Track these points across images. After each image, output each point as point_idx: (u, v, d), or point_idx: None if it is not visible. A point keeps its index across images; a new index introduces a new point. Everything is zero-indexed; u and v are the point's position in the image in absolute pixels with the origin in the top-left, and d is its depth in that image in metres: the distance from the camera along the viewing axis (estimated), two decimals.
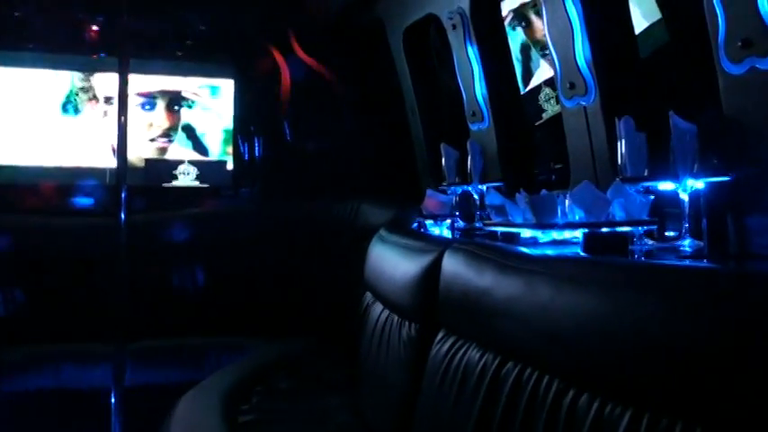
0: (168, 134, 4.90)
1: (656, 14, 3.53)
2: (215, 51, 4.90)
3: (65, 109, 4.73)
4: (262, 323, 4.17)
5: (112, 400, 3.18)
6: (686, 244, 2.06)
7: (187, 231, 4.51)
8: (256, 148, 4.98)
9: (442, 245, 2.27)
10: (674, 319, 1.29)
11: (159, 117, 4.88)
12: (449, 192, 3.29)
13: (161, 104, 4.88)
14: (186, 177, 4.91)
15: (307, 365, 3.44)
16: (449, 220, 3.14)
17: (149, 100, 4.84)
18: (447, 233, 3.11)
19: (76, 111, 4.74)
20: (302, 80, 4.87)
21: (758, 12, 1.84)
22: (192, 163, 4.92)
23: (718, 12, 1.96)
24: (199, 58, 4.90)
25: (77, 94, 4.75)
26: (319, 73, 4.84)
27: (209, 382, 3.06)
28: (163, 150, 4.89)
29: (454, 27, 3.34)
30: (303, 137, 4.95)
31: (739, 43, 1.91)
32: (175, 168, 4.87)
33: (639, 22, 2.93)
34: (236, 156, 4.99)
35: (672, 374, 1.27)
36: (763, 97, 1.89)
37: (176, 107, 4.91)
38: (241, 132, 4.98)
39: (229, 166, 4.99)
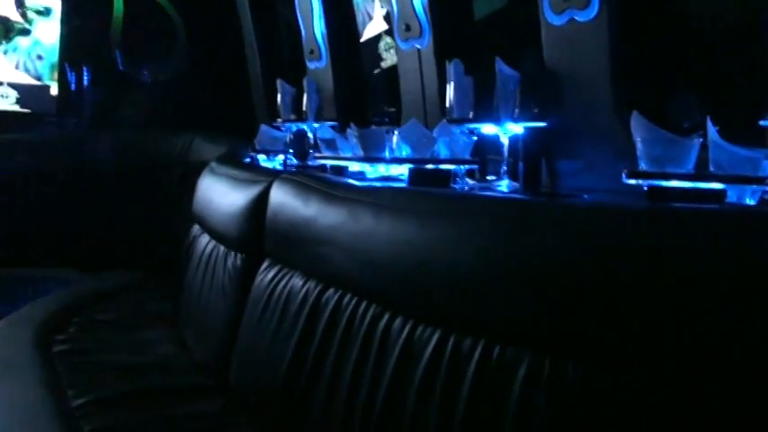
0: None
1: None
2: None
3: None
4: (85, 256, 4.01)
5: None
6: (504, 184, 2.17)
7: (4, 158, 4.24)
8: (85, 75, 4.71)
9: (270, 176, 2.26)
10: (483, 245, 1.37)
11: None
12: (283, 128, 3.27)
13: None
14: (5, 101, 4.58)
15: (130, 298, 3.35)
16: (282, 157, 3.13)
17: None
18: (280, 169, 3.09)
19: None
20: (136, 7, 4.63)
21: None
22: (12, 86, 4.59)
23: None
24: None
25: None
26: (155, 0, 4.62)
27: (22, 312, 2.92)
28: None
29: None
30: (136, 66, 4.73)
31: None
32: None
33: None
34: (63, 82, 4.69)
35: (476, 297, 1.35)
36: (578, 48, 2.01)
37: None
38: (68, 57, 4.69)
39: (53, 91, 4.69)
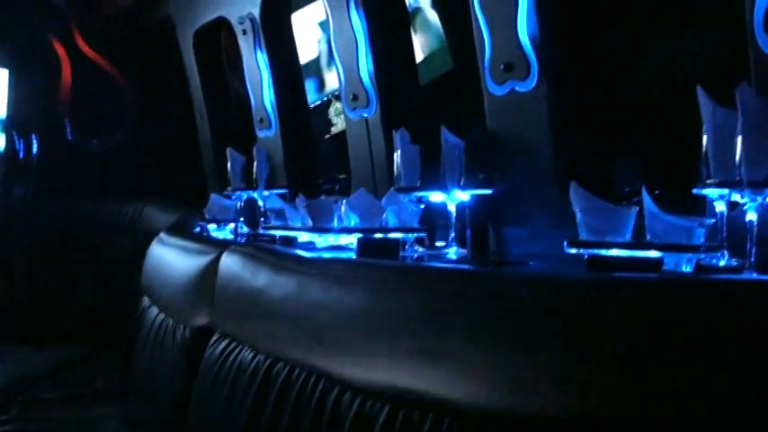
0: None
1: (434, 46, 3.75)
2: None
3: None
4: (33, 330, 3.91)
5: None
6: (452, 252, 2.19)
7: None
8: (34, 144, 4.66)
9: (220, 247, 2.26)
10: (431, 318, 1.38)
11: None
12: (233, 197, 3.27)
13: None
14: None
15: (76, 374, 3.27)
16: (232, 225, 3.12)
17: None
18: (230, 238, 3.08)
19: None
20: (85, 75, 4.64)
21: (518, 39, 2.01)
22: None
23: (485, 36, 2.12)
24: None
25: None
26: (104, 69, 4.63)
27: None
28: None
29: (245, 32, 3.34)
30: (85, 134, 4.70)
31: (502, 66, 2.07)
32: None
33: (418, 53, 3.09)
34: (10, 151, 4.64)
35: (424, 370, 1.35)
36: (520, 117, 2.07)
37: None
38: (16, 127, 4.64)
39: None
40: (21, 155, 4.65)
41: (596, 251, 1.40)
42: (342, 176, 3.31)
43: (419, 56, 3.99)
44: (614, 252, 1.39)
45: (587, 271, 1.40)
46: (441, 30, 3.97)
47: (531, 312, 1.21)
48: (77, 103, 4.67)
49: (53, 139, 4.67)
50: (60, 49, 4.62)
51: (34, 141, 4.66)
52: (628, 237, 1.41)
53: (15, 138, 4.64)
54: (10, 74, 4.60)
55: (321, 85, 4.61)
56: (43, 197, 4.60)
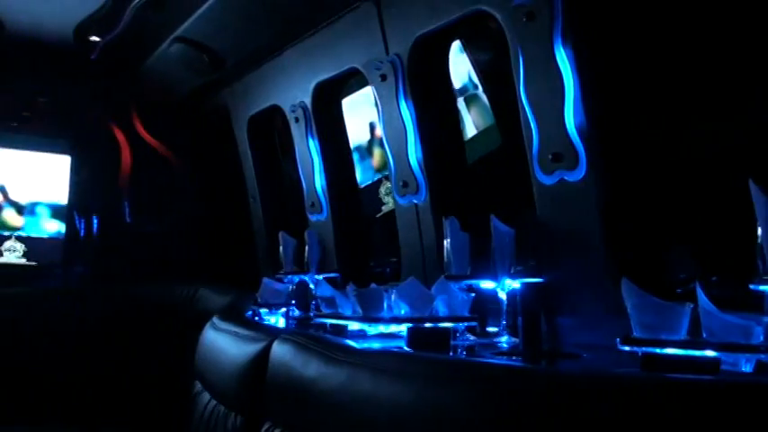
0: None
1: (482, 125, 3.78)
2: (52, 125, 4.72)
3: None
4: (85, 412, 3.94)
5: None
6: (504, 341, 2.18)
7: (10, 311, 4.24)
8: (94, 227, 4.80)
9: (271, 335, 2.27)
10: (481, 414, 1.36)
11: None
12: (285, 280, 3.30)
13: None
14: (11, 254, 4.64)
15: None
16: (284, 309, 3.14)
17: None
18: (282, 322, 3.10)
19: None
20: (143, 159, 4.79)
21: (566, 130, 2.03)
22: (19, 239, 4.66)
23: (532, 126, 2.14)
24: (34, 131, 4.71)
25: None
26: (161, 153, 4.78)
27: None
28: None
29: (297, 120, 3.43)
30: (143, 217, 4.83)
31: (550, 156, 2.09)
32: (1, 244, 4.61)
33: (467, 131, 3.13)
34: (71, 233, 4.77)
35: None
36: (570, 207, 2.07)
37: None
38: (77, 209, 4.79)
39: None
40: (81, 233, 4.78)
41: (650, 349, 1.37)
42: (393, 260, 3.32)
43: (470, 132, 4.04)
44: (669, 350, 1.36)
45: (641, 370, 1.37)
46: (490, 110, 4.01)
47: (586, 414, 1.19)
48: (136, 187, 4.81)
49: (112, 222, 4.79)
50: (120, 134, 4.79)
51: (95, 223, 4.79)
52: (683, 334, 1.38)
53: (77, 219, 4.78)
54: (72, 160, 4.77)
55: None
56: (101, 277, 4.70)
